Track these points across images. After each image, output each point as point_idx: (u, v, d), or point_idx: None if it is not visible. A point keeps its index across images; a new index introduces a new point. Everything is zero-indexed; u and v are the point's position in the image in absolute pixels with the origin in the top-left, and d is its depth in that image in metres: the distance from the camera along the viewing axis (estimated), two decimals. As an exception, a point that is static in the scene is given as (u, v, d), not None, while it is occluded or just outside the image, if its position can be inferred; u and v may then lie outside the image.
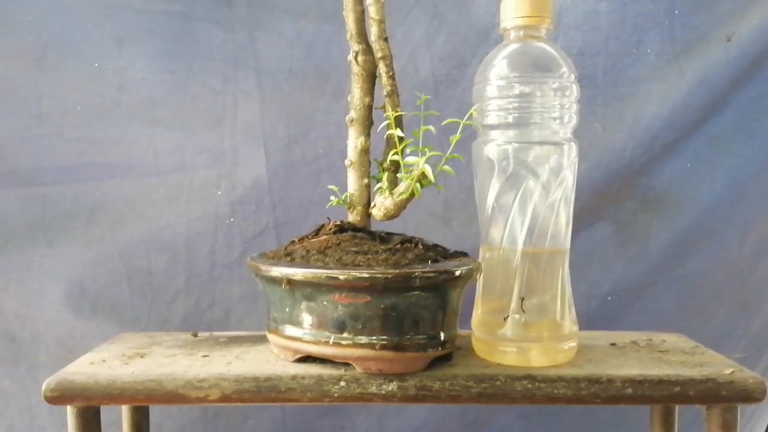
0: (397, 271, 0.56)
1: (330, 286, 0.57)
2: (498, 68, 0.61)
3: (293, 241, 0.65)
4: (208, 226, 0.87)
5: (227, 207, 0.88)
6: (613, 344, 0.70)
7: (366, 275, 0.56)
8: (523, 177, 0.61)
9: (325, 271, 0.57)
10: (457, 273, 0.58)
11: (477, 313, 0.65)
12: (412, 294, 0.57)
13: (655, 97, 0.88)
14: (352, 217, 0.65)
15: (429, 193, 0.64)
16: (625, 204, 0.90)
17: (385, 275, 0.55)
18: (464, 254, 0.65)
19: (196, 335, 0.73)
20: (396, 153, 0.61)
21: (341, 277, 0.56)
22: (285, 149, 0.87)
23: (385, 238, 0.64)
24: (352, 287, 0.56)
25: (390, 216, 0.63)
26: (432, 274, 0.57)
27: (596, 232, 0.90)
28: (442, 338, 0.59)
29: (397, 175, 0.63)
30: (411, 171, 0.60)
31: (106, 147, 0.85)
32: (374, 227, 0.66)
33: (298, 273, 0.58)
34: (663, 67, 0.88)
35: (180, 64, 0.85)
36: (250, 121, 0.87)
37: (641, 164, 0.89)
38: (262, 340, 0.68)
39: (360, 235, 0.62)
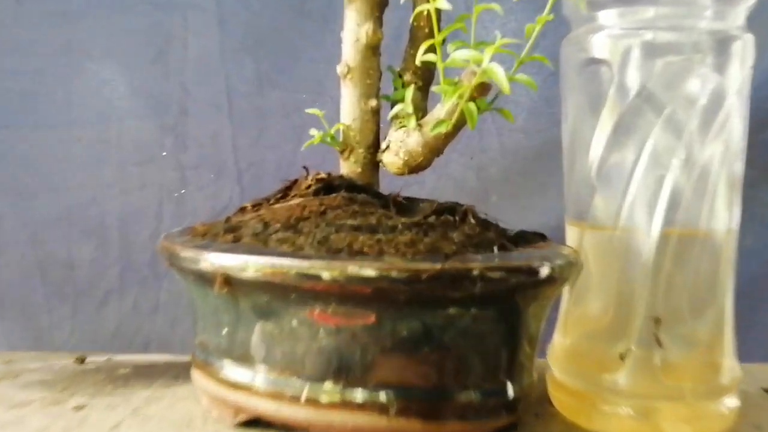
0: (439, 266, 0.28)
1: (304, 293, 0.30)
2: None
3: (243, 208, 0.38)
4: (150, 200, 0.62)
5: (176, 173, 0.62)
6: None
7: (372, 273, 0.28)
8: (658, 107, 0.33)
9: (294, 261, 0.29)
10: (546, 272, 0.31)
11: (564, 340, 0.38)
12: (460, 313, 0.29)
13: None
14: (348, 167, 0.38)
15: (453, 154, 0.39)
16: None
17: (412, 274, 0.28)
18: (540, 236, 0.37)
19: (82, 361, 0.46)
20: (431, 47, 0.33)
21: (326, 274, 0.29)
22: (255, 93, 0.62)
23: (404, 204, 0.37)
24: (345, 295, 0.29)
25: (416, 166, 0.36)
26: (502, 274, 0.29)
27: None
28: (511, 395, 0.32)
29: (432, 88, 0.35)
30: (458, 81, 0.33)
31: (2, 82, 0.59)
32: (384, 186, 0.38)
33: (244, 265, 0.30)
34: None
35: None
36: (206, 51, 0.61)
37: None
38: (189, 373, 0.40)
39: (361, 197, 0.35)
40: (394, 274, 0.28)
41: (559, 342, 0.38)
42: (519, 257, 0.31)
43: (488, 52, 0.30)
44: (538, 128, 0.58)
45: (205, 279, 0.33)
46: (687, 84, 0.33)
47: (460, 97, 0.32)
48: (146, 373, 0.42)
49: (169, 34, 0.60)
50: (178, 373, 0.42)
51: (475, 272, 0.29)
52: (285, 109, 0.61)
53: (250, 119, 0.61)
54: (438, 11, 0.35)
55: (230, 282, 0.31)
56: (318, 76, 0.60)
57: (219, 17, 0.60)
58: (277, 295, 0.31)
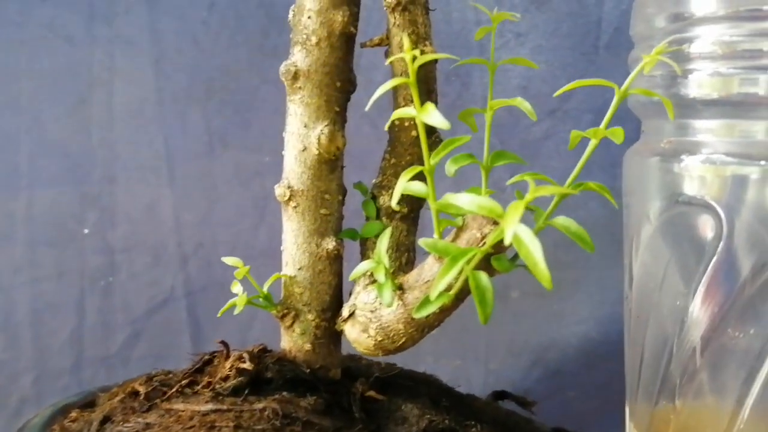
0: None
1: None
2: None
3: (135, 392, 0.25)
4: (69, 290, 0.50)
5: (101, 257, 0.49)
6: None
7: None
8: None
9: None
10: None
11: None
12: None
13: None
14: (292, 341, 0.24)
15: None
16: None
17: None
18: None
19: None
20: (415, 170, 0.20)
21: None
22: (204, 153, 0.49)
23: (377, 404, 0.23)
24: None
25: (394, 348, 0.23)
26: None
27: None
28: None
29: (421, 243, 0.22)
30: (463, 224, 0.20)
31: None
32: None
33: None
34: None
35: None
36: (138, 99, 0.48)
37: None
38: None
39: (305, 404, 0.22)
40: None
41: None
42: None
43: (514, 212, 0.16)
44: (572, 205, 0.45)
45: None
46: None
47: (467, 262, 0.19)
48: None
49: (91, 78, 0.47)
50: None
51: None
52: (242, 175, 0.48)
53: (196, 188, 0.48)
54: (432, 95, 0.23)
55: None
56: (282, 127, 0.47)
57: (156, 55, 0.47)
58: None
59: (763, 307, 0.20)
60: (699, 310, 0.21)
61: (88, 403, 0.27)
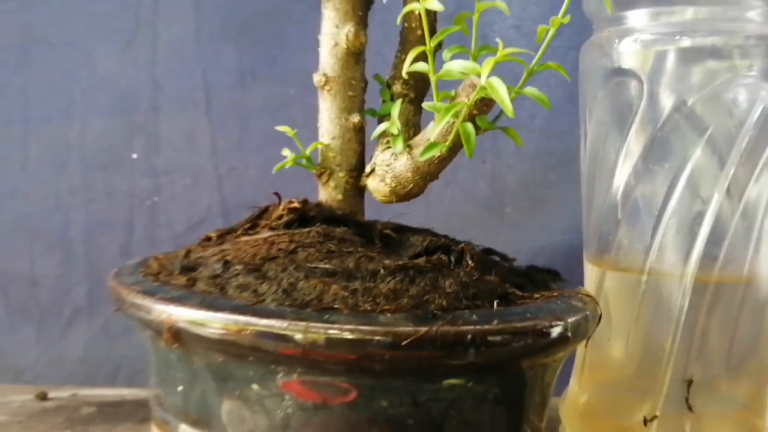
0: (425, 328, 0.23)
1: (267, 357, 0.25)
2: None
3: (208, 238, 0.33)
4: (119, 209, 0.57)
5: (147, 179, 0.57)
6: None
7: (349, 336, 0.23)
8: (696, 128, 0.27)
9: (252, 318, 0.24)
10: (557, 332, 0.25)
11: (578, 392, 0.33)
12: (453, 385, 0.24)
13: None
14: (327, 193, 0.32)
15: (463, 158, 0.33)
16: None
17: (394, 338, 0.23)
18: (553, 274, 0.32)
19: (44, 397, 0.42)
20: (422, 54, 0.28)
21: (298, 336, 0.24)
22: (236, 87, 0.55)
23: (392, 238, 0.31)
24: (315, 364, 0.24)
25: (404, 193, 0.30)
26: (503, 337, 0.24)
27: None
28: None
29: (423, 105, 0.30)
30: (455, 94, 0.27)
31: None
32: (369, 213, 0.33)
33: (195, 319, 0.25)
34: None
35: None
36: (180, 39, 0.55)
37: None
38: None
39: (340, 232, 0.30)
40: (374, 338, 0.23)
41: (574, 393, 0.33)
42: (524, 315, 0.26)
43: (488, 65, 0.24)
44: (560, 130, 0.52)
45: (153, 330, 0.28)
46: (732, 97, 0.27)
47: (455, 116, 0.26)
48: (111, 414, 0.39)
49: (138, 20, 0.55)
50: (146, 415, 0.38)
51: (470, 337, 0.24)
52: (270, 106, 0.55)
53: (230, 117, 0.56)
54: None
55: (180, 338, 0.26)
56: (308, 66, 0.54)
57: (194, 0, 0.54)
58: (234, 357, 0.26)
59: (673, 143, 0.27)
60: (623, 160, 0.29)
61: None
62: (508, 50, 0.24)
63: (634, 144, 0.28)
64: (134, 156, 0.56)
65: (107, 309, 0.57)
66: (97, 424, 0.37)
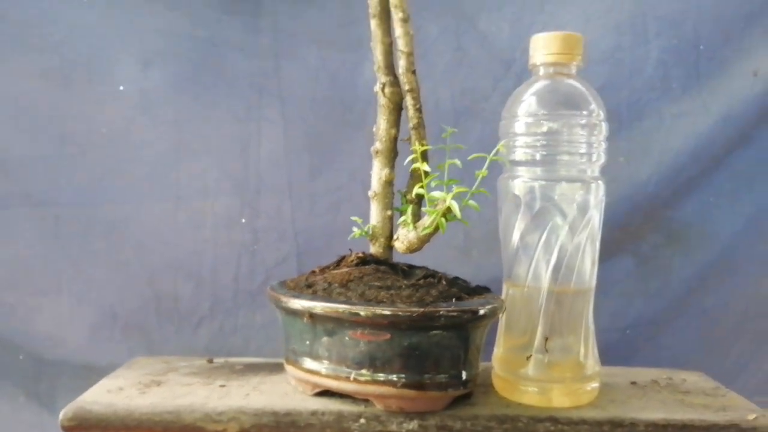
0: (422, 309, 0.55)
1: (352, 322, 0.56)
2: (527, 104, 0.61)
3: (314, 272, 0.65)
4: (233, 253, 0.87)
5: (251, 235, 0.87)
6: (633, 383, 0.69)
7: (388, 312, 0.55)
8: (550, 214, 0.60)
9: (347, 306, 0.56)
10: (482, 312, 0.57)
11: (499, 350, 0.64)
12: (435, 333, 0.56)
13: (680, 132, 0.87)
14: (374, 249, 0.65)
15: (450, 224, 0.63)
16: (647, 238, 0.89)
17: (409, 313, 0.55)
18: (486, 289, 0.64)
19: (211, 361, 0.73)
20: (421, 186, 0.60)
21: (363, 313, 0.55)
22: (308, 178, 0.87)
23: (407, 271, 0.64)
24: (373, 324, 0.56)
25: (413, 249, 0.63)
26: (456, 314, 0.56)
27: (617, 265, 0.88)
28: (464, 377, 0.58)
29: (422, 209, 0.62)
30: (436, 205, 0.59)
31: (128, 169, 0.85)
32: (395, 258, 0.65)
33: (319, 307, 0.57)
34: (688, 102, 0.87)
35: (205, 89, 0.85)
36: (274, 150, 0.86)
37: (664, 198, 0.88)
38: (278, 368, 0.67)
39: (382, 268, 0.62)
40: (400, 314, 0.55)
41: (498, 351, 0.65)
42: (468, 304, 0.58)
43: (449, 196, 0.57)
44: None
45: (296, 314, 0.60)
46: (576, 198, 0.60)
47: (437, 213, 0.59)
48: (252, 368, 0.69)
49: (248, 138, 0.87)
50: (272, 368, 0.69)
51: (441, 313, 0.56)
52: (328, 190, 0.86)
53: (303, 197, 0.87)
54: (426, 160, 0.63)
55: (312, 316, 0.58)
56: (352, 166, 0.86)
57: (284, 126, 0.87)
58: (336, 323, 0.58)
59: (542, 220, 0.60)
60: (518, 227, 0.61)
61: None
62: (460, 189, 0.57)
63: (520, 222, 0.61)
64: (243, 221, 0.88)
65: (222, 317, 0.86)
66: (248, 372, 0.68)
